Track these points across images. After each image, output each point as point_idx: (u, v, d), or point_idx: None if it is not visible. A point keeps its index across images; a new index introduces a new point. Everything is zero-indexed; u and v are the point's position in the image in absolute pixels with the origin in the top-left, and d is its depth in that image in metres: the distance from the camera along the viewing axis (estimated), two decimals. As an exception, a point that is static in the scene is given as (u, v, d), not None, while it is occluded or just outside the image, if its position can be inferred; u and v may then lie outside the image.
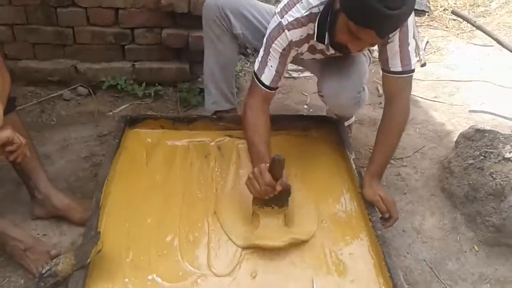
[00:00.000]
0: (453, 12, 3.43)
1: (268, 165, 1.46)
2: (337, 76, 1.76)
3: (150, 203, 1.65)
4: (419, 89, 2.74)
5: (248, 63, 2.85)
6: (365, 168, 1.85)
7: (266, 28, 1.74)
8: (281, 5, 1.61)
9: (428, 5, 3.94)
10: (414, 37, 1.67)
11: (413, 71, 1.66)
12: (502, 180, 1.72)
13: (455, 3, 4.21)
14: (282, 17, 1.58)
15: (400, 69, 1.63)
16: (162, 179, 1.76)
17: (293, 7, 1.57)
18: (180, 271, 1.42)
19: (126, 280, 1.37)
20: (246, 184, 1.52)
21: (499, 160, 1.79)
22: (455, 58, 3.14)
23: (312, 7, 1.55)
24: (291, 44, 1.60)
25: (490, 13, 3.96)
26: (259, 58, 1.68)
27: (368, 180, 1.65)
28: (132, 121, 1.99)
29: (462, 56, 3.16)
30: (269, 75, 1.65)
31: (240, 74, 2.61)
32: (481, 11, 4.01)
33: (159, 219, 1.59)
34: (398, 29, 1.52)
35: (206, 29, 1.95)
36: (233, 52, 2.02)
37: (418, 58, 3.05)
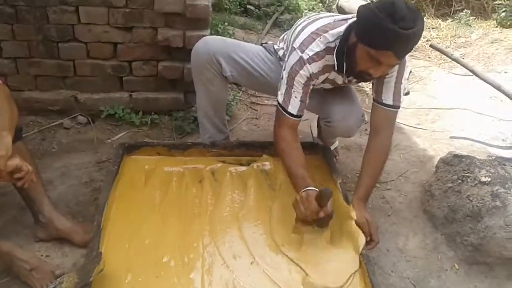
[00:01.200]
0: (431, 46, 3.61)
1: (314, 193, 1.61)
2: (344, 103, 1.95)
3: (148, 225, 1.75)
4: (403, 116, 2.87)
5: (240, 92, 2.98)
6: (352, 192, 1.98)
7: (253, 68, 1.97)
8: (298, 40, 1.75)
9: (411, 36, 4.13)
10: (405, 79, 1.85)
11: (399, 107, 1.84)
12: (478, 202, 1.84)
13: (437, 35, 4.42)
14: (302, 52, 1.72)
15: (391, 102, 1.81)
16: (159, 203, 1.86)
17: (313, 42, 1.73)
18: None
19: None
20: (293, 205, 1.67)
21: (476, 184, 1.90)
22: (437, 87, 3.29)
23: (329, 42, 1.71)
24: (312, 76, 1.75)
25: (470, 43, 4.15)
26: (281, 91, 1.79)
27: (356, 204, 1.77)
28: (130, 148, 2.10)
29: (444, 85, 3.32)
30: (295, 105, 1.78)
31: (232, 103, 2.73)
32: (462, 42, 4.21)
33: (156, 241, 1.68)
34: (397, 66, 1.73)
35: (197, 74, 2.06)
36: (224, 92, 2.16)
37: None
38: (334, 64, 1.73)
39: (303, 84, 1.76)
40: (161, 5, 2.27)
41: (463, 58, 3.66)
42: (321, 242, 1.70)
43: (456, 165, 2.03)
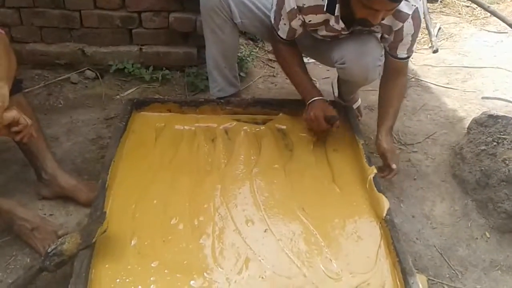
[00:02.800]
0: (468, -3, 3.36)
1: (322, 114, 1.78)
2: (358, 41, 1.77)
3: (156, 184, 1.64)
4: (431, 75, 2.69)
5: (257, 48, 2.81)
6: (375, 154, 1.86)
7: (264, 14, 1.89)
8: None
9: (441, -9, 3.87)
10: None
11: (411, 54, 1.81)
12: (515, 166, 1.69)
13: (468, -10, 4.13)
14: None
15: (405, 55, 1.78)
16: (168, 162, 1.75)
17: None
18: (185, 260, 1.38)
19: (129, 267, 1.35)
20: (305, 119, 1.83)
21: (513, 146, 1.75)
22: (468, 44, 3.08)
23: None
24: (300, 10, 1.67)
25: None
26: (272, 12, 1.78)
27: (384, 135, 1.77)
28: (139, 104, 1.99)
29: (475, 42, 3.10)
30: (284, 31, 1.78)
31: (248, 59, 2.58)
32: (495, -3, 3.93)
33: (165, 201, 1.58)
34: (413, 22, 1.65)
35: (207, 19, 1.93)
36: (234, 40, 2.03)
37: (430, 45, 3.00)
38: (324, 6, 1.60)
39: (290, 15, 1.70)
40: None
41: (497, 15, 3.41)
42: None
43: (491, 126, 1.86)
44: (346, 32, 1.73)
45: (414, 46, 1.77)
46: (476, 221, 1.75)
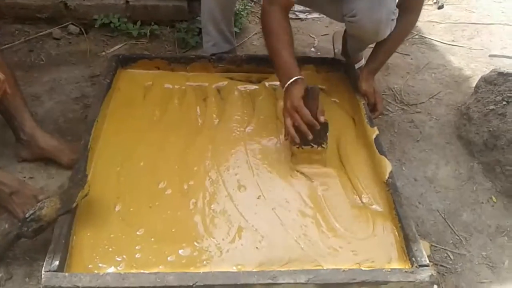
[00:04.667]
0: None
1: (301, 92, 1.43)
2: None
3: (143, 146, 1.54)
4: (435, 32, 2.57)
5: (252, 3, 2.66)
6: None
7: None
8: None
9: None
10: None
11: None
12: (526, 127, 1.59)
13: None
14: None
15: None
16: (156, 122, 1.65)
17: None
18: (173, 228, 1.29)
19: (113, 235, 1.26)
20: (285, 124, 1.46)
21: (523, 106, 1.65)
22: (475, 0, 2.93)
23: None
24: None
25: (513, -46, 3.69)
26: None
27: (366, 75, 1.73)
28: (125, 61, 1.88)
29: (483, -3, 2.95)
30: None
31: (242, 13, 2.43)
32: (504, -48, 3.74)
33: (152, 164, 1.48)
34: None
35: None
36: None
37: (435, 0, 2.85)
38: None
39: None
40: None
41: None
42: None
43: (500, 84, 1.75)
44: None
45: None
46: (482, 185, 1.67)
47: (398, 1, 1.67)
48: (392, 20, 1.64)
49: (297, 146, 1.47)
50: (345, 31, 1.99)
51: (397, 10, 1.65)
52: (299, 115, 1.42)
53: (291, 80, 1.45)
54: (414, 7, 1.70)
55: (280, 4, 1.55)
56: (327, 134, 1.49)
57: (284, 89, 1.48)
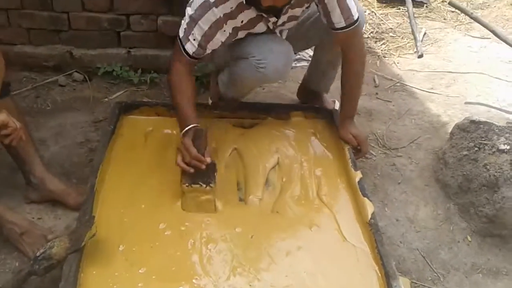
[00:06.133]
0: (450, 3, 3.42)
1: (190, 139, 1.56)
2: (273, 39, 1.78)
3: (144, 189, 1.65)
4: (416, 80, 2.73)
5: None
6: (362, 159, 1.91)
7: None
8: None
9: (427, -4, 3.93)
10: None
11: (357, 21, 1.73)
12: (496, 172, 1.73)
13: (454, -5, 4.20)
14: None
15: (344, 24, 1.72)
16: (156, 166, 1.76)
17: None
18: (173, 267, 1.40)
19: (117, 273, 1.36)
20: (176, 162, 1.57)
21: (493, 152, 1.79)
22: (452, 50, 3.12)
23: None
24: (220, 20, 1.62)
25: (488, 5, 3.94)
26: (184, 27, 1.67)
27: (342, 122, 1.88)
28: (128, 108, 1.99)
29: (460, 48, 3.15)
30: (191, 47, 1.67)
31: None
32: (480, 3, 3.99)
33: (153, 206, 1.59)
34: None
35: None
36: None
37: (415, 50, 3.05)
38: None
39: (205, 30, 1.63)
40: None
41: (480, 20, 3.47)
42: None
43: (472, 131, 1.91)
44: (277, 22, 1.73)
45: (348, 11, 1.69)
46: (458, 225, 1.80)
47: (334, 43, 1.84)
48: (291, 64, 1.85)
49: (187, 185, 1.56)
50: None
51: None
52: (187, 153, 1.54)
53: (186, 128, 1.59)
54: (355, 59, 1.81)
55: (185, 61, 1.70)
56: (215, 174, 1.60)
57: (181, 135, 1.61)
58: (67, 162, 1.89)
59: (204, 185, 1.57)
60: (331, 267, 1.45)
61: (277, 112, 2.05)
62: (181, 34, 1.67)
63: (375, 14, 3.57)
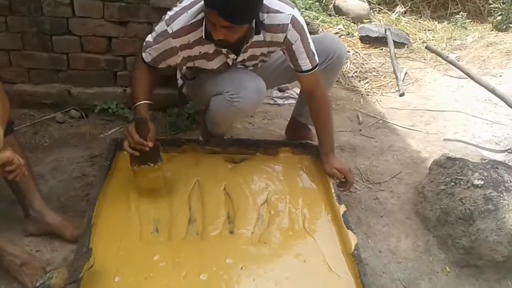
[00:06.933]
0: (427, 48, 3.61)
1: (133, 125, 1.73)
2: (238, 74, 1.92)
3: (138, 222, 1.74)
4: (397, 117, 2.88)
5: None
6: (345, 193, 2.01)
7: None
8: (171, 12, 1.75)
9: (408, 37, 4.15)
10: (310, 40, 1.88)
11: (318, 64, 1.92)
12: (471, 205, 1.84)
13: (433, 36, 4.43)
14: (168, 25, 1.73)
15: (310, 66, 1.89)
16: (151, 200, 1.84)
17: (180, 15, 1.72)
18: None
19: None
20: (123, 146, 1.76)
21: (468, 187, 1.91)
22: (431, 89, 3.29)
23: (199, 13, 1.71)
24: (175, 49, 1.76)
25: (466, 46, 4.16)
26: (147, 39, 1.81)
27: (325, 158, 2.01)
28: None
29: (438, 87, 3.32)
30: (147, 58, 1.84)
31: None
32: (458, 45, 4.22)
33: (147, 238, 1.68)
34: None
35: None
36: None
37: (397, 88, 3.21)
38: (203, 35, 1.72)
39: (159, 53, 1.79)
40: (157, 0, 2.26)
41: (458, 61, 3.66)
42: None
43: (449, 167, 2.03)
44: (236, 59, 1.87)
45: (313, 55, 1.87)
46: (437, 256, 1.89)
47: (301, 87, 2.03)
48: (264, 97, 1.98)
49: (136, 166, 1.76)
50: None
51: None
52: (131, 139, 1.72)
53: (135, 105, 1.79)
54: (314, 87, 1.95)
55: (142, 63, 1.85)
56: (160, 154, 1.79)
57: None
58: (64, 196, 1.96)
59: (152, 164, 1.76)
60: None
61: (265, 148, 2.16)
62: (144, 42, 1.83)
63: (359, 54, 3.76)
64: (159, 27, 1.76)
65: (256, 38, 1.78)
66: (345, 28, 4.22)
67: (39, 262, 1.58)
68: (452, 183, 1.96)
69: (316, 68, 1.91)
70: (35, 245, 1.72)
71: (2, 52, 2.37)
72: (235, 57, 1.86)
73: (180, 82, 2.25)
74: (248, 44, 1.80)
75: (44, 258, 1.65)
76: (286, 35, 1.80)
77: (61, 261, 1.66)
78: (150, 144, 1.73)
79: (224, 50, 1.82)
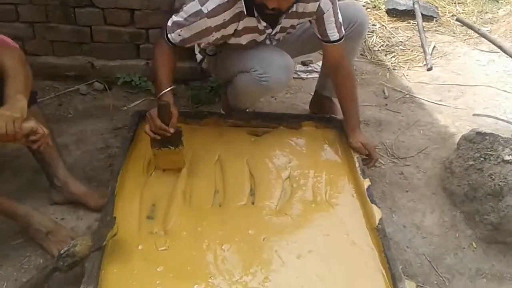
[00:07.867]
0: (457, 20, 3.48)
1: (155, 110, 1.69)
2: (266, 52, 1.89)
3: (159, 190, 1.76)
4: (424, 92, 2.80)
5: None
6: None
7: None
8: None
9: (436, 11, 4.00)
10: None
11: (344, 36, 1.89)
12: (501, 181, 1.78)
13: (463, 10, 4.25)
14: (202, 4, 1.67)
15: (338, 36, 1.87)
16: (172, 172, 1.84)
17: None
18: (188, 266, 1.48)
19: (136, 272, 1.44)
20: (145, 130, 1.73)
21: (498, 162, 1.85)
22: (461, 63, 3.18)
23: None
24: (210, 29, 1.71)
25: (497, 20, 3.99)
26: (174, 20, 1.75)
27: (351, 132, 1.97)
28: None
29: (468, 61, 3.21)
30: (175, 38, 1.78)
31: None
32: (489, 18, 4.05)
33: (167, 208, 1.69)
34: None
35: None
36: None
37: (424, 63, 3.11)
38: (244, 10, 1.69)
39: (192, 34, 1.74)
40: (180, -29, 2.22)
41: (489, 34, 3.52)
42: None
43: (478, 142, 1.97)
44: (272, 33, 1.84)
45: (340, 26, 1.84)
46: (464, 232, 1.85)
47: (326, 59, 2.00)
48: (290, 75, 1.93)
49: (157, 148, 1.75)
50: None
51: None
52: (153, 123, 1.69)
53: (161, 93, 1.75)
54: (340, 60, 1.93)
55: (165, 43, 1.81)
56: (182, 139, 1.76)
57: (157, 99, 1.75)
58: (88, 167, 1.98)
59: (173, 148, 1.76)
60: (340, 270, 1.52)
61: (288, 121, 2.13)
62: (169, 23, 1.78)
63: (386, 27, 3.65)
64: (191, 7, 1.70)
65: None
66: (372, 1, 4.10)
67: (66, 231, 1.60)
68: (482, 159, 1.90)
69: (343, 39, 1.87)
70: (60, 213, 1.74)
71: (26, 25, 2.38)
72: (271, 31, 1.83)
73: (199, 57, 2.21)
74: (285, 14, 1.75)
75: (68, 226, 1.68)
76: (319, 3, 1.77)
77: (85, 229, 1.68)
78: (172, 130, 1.70)
79: (262, 25, 1.78)
